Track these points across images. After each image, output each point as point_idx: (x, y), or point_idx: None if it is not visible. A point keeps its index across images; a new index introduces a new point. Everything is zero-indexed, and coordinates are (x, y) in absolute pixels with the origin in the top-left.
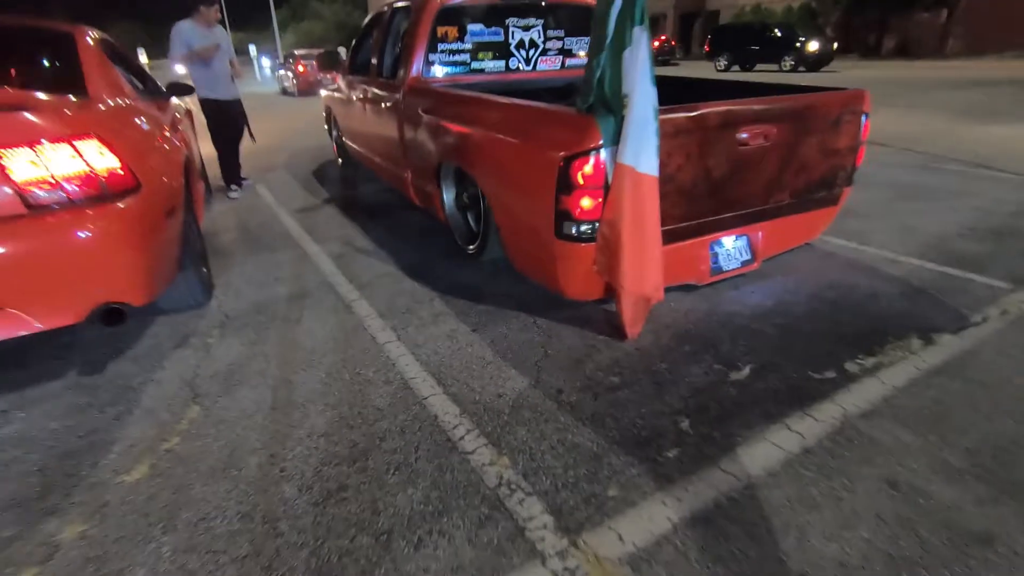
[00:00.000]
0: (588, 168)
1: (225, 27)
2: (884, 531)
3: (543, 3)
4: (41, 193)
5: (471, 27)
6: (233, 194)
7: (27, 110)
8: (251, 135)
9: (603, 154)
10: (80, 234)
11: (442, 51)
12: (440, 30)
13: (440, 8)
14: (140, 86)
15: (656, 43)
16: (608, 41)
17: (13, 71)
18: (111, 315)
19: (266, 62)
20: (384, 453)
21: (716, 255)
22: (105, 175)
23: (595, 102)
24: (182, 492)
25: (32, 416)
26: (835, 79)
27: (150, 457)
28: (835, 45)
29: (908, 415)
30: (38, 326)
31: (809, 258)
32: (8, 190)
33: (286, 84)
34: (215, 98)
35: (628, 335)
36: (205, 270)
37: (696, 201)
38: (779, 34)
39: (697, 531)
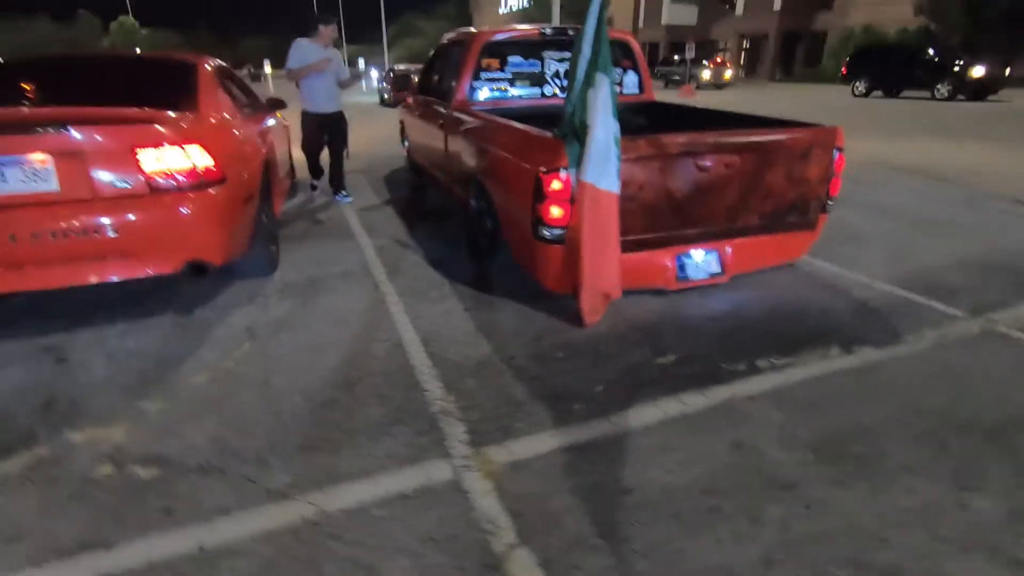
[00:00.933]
0: (556, 183)
1: (342, 45)
2: (711, 472)
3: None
4: (160, 180)
5: (512, 58)
6: (315, 191)
7: (156, 123)
8: (346, 151)
9: (570, 173)
10: (183, 210)
11: (485, 79)
12: (485, 61)
13: (486, 42)
14: (245, 101)
15: (711, 65)
16: (578, 84)
17: (153, 91)
18: (197, 269)
19: (374, 74)
20: (369, 385)
21: (684, 265)
22: (202, 170)
23: (568, 131)
24: (229, 393)
25: (143, 337)
26: (1000, 110)
27: (212, 371)
28: (1008, 70)
29: (787, 401)
30: (150, 272)
31: (786, 277)
32: (141, 177)
33: (385, 96)
34: (314, 112)
35: (586, 323)
36: (274, 248)
37: (660, 216)
38: (933, 56)
39: (569, 455)
